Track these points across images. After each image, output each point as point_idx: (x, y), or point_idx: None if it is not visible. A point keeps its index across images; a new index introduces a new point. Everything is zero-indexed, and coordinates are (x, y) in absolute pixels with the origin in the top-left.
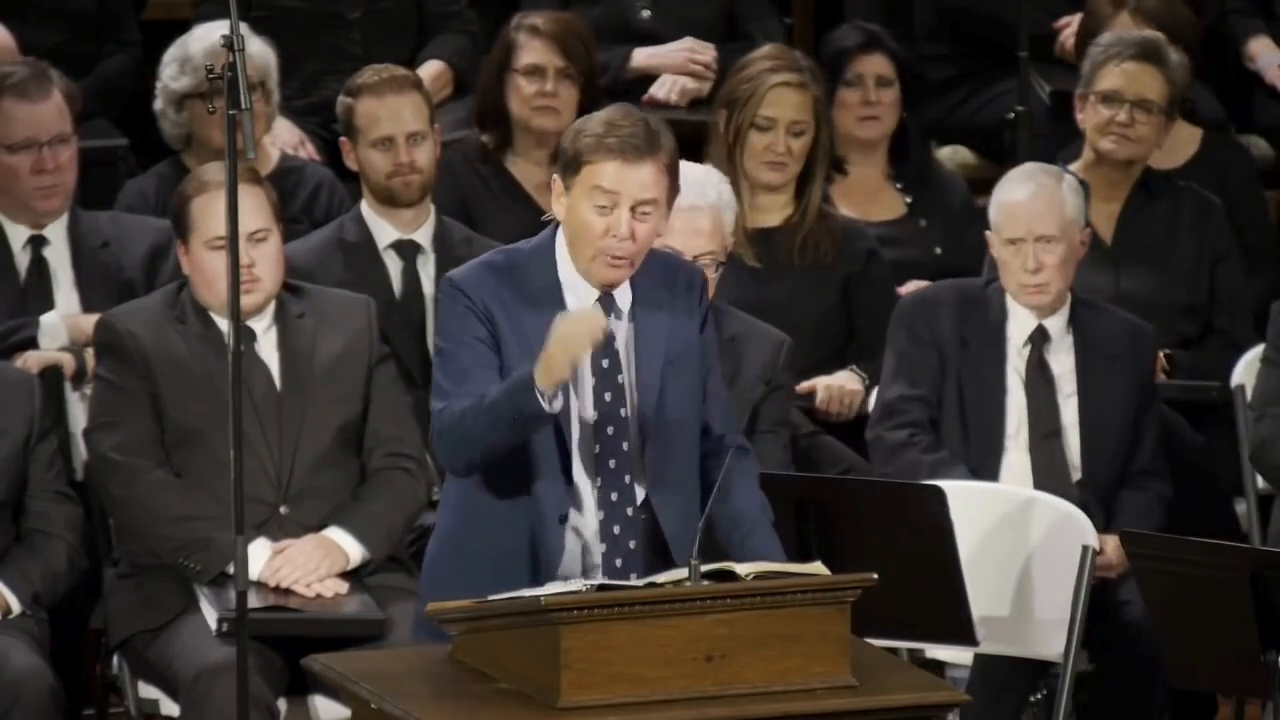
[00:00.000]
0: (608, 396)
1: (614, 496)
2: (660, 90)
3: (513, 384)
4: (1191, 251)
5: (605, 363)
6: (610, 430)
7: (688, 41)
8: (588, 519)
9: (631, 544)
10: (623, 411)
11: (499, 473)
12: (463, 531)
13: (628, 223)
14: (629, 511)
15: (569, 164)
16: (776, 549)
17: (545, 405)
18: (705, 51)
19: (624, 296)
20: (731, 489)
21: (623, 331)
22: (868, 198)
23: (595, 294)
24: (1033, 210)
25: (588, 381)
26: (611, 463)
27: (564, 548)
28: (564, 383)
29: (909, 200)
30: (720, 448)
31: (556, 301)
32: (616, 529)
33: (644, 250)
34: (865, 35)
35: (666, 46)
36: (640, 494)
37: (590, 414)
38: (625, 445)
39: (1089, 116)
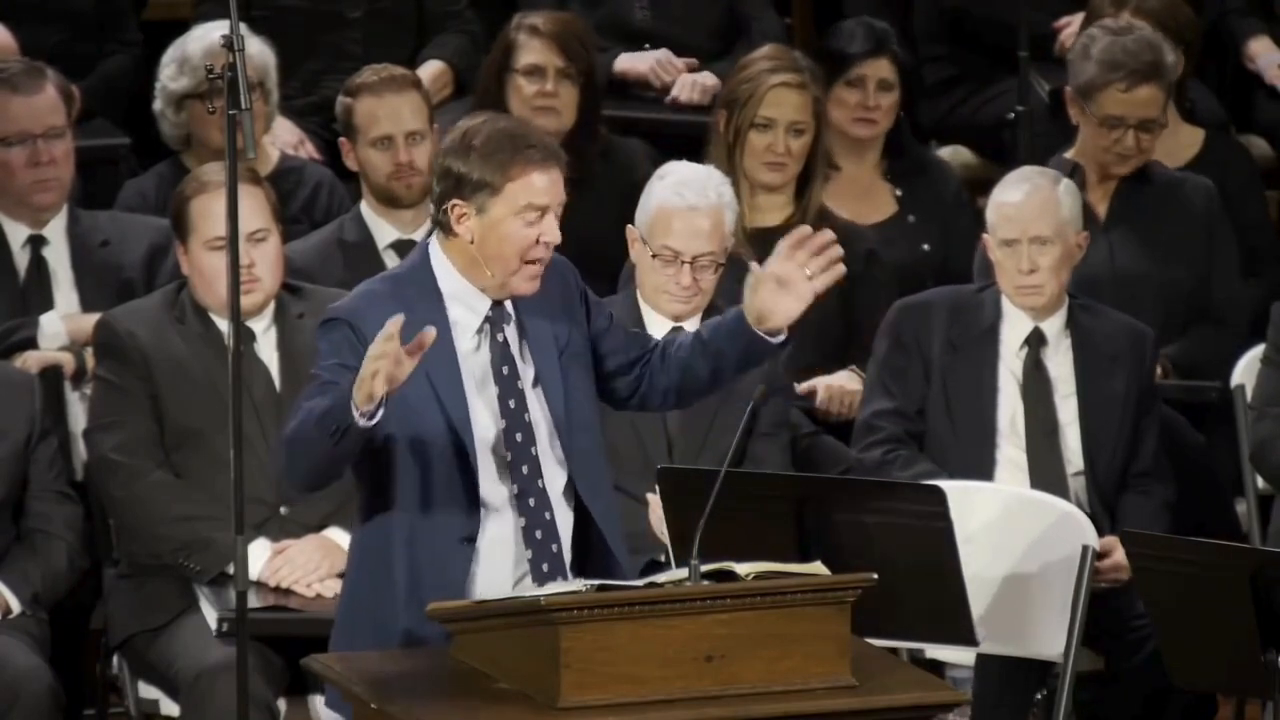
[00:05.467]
0: (511, 403)
1: (531, 502)
2: (682, 92)
3: (339, 396)
4: (1184, 224)
5: (505, 370)
6: (519, 436)
7: (663, 53)
8: (506, 528)
9: (554, 547)
10: (526, 416)
11: (396, 505)
12: (360, 580)
13: (555, 227)
14: (547, 515)
15: (481, 185)
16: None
17: (357, 418)
18: (675, 65)
19: (507, 303)
20: (666, 359)
21: (513, 338)
22: (859, 197)
23: (486, 303)
24: (1027, 212)
25: (490, 390)
26: (524, 468)
27: (470, 570)
28: (375, 400)
29: (899, 194)
30: (652, 352)
31: (441, 315)
32: (538, 534)
33: None
34: (873, 40)
35: (643, 54)
36: (554, 496)
37: (500, 422)
38: (533, 449)
39: (1089, 131)
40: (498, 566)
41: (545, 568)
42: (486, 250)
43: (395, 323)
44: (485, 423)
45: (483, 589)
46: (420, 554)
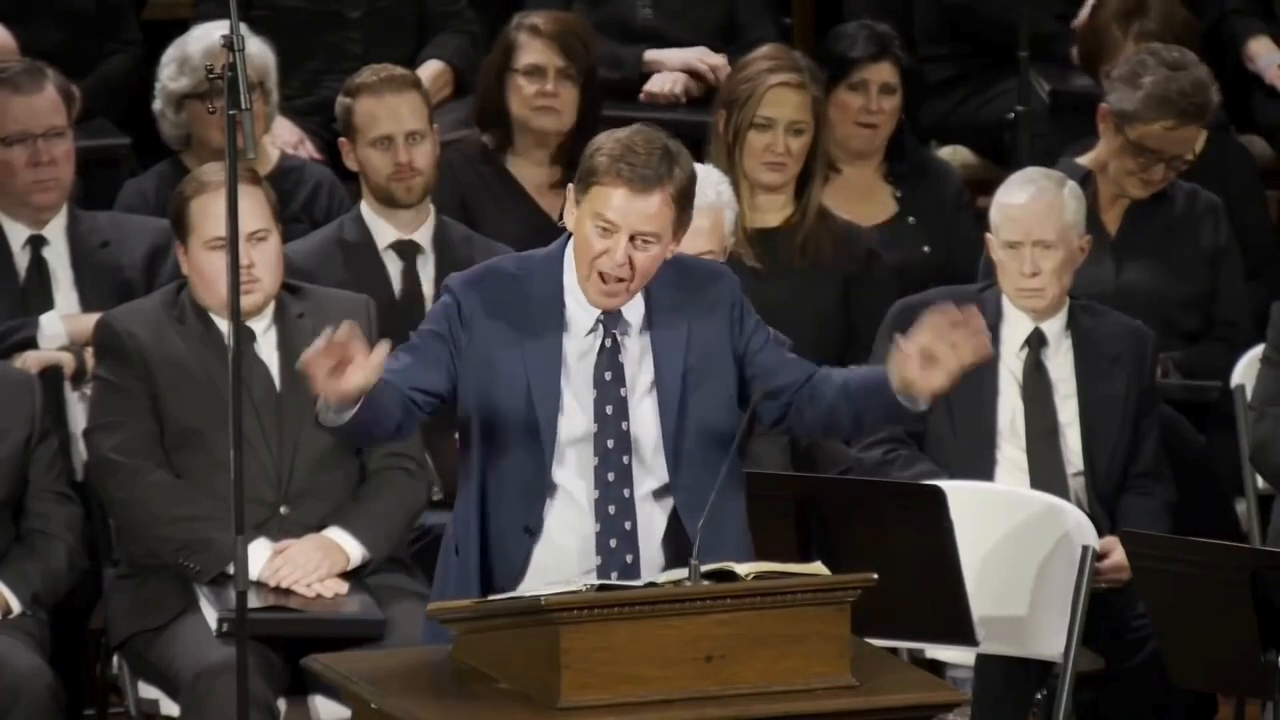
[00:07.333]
0: (609, 410)
1: (611, 510)
2: (659, 85)
3: None
4: (1192, 249)
5: (608, 375)
6: (610, 443)
7: (700, 50)
8: (583, 530)
9: (628, 558)
10: (624, 424)
11: (480, 479)
12: (448, 540)
13: (624, 250)
14: (626, 525)
15: (582, 179)
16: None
17: (323, 413)
18: (713, 57)
19: (634, 310)
20: (816, 393)
21: (634, 345)
22: (861, 198)
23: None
24: (1032, 214)
25: (588, 394)
26: (610, 475)
27: (529, 559)
28: (331, 404)
29: (899, 195)
30: (805, 382)
31: (558, 308)
32: (613, 542)
33: (643, 278)
34: (877, 43)
35: (677, 50)
36: (641, 507)
37: (591, 426)
38: (626, 459)
39: (1116, 149)
40: (566, 565)
41: (614, 576)
42: (575, 245)
43: (324, 337)
44: (577, 423)
45: (543, 584)
46: (489, 536)
